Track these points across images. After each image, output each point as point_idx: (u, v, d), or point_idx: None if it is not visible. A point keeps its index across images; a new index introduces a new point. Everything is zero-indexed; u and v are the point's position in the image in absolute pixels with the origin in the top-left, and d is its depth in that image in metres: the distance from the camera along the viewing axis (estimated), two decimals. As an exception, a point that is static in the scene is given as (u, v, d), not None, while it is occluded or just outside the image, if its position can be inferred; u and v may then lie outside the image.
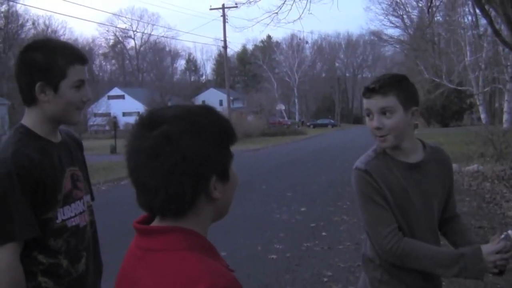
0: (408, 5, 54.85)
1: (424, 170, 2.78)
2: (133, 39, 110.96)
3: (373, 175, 2.71)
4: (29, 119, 2.53)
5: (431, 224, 2.80)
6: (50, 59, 2.45)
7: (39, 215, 2.40)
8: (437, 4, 23.77)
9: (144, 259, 1.50)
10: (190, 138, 1.45)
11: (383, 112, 2.70)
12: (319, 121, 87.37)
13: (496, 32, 14.34)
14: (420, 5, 46.12)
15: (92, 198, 2.89)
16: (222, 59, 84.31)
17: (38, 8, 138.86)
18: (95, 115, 64.66)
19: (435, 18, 37.95)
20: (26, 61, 2.47)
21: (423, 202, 2.75)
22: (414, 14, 55.24)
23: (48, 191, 2.43)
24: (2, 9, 66.97)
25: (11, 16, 68.49)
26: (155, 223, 1.55)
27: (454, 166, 17.55)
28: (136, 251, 1.55)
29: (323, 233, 9.41)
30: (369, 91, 2.74)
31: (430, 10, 22.08)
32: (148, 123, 1.48)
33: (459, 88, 45.48)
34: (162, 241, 1.48)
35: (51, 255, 2.45)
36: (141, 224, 1.57)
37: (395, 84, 2.71)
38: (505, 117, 39.74)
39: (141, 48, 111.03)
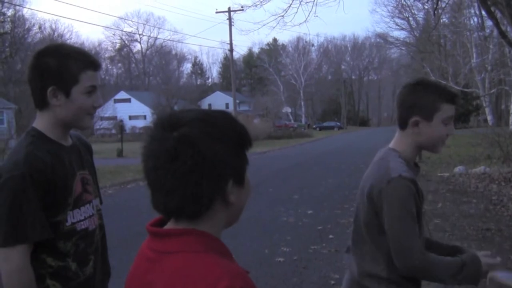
0: (414, 7, 54.70)
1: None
2: (139, 42, 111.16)
3: (418, 185, 2.64)
4: (41, 122, 2.56)
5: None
6: (63, 64, 2.47)
7: (49, 218, 2.42)
8: (443, 6, 23.74)
9: (159, 261, 1.50)
10: (211, 140, 1.46)
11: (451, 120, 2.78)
12: (325, 124, 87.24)
13: (502, 34, 14.32)
14: (426, 7, 45.99)
15: (101, 202, 2.91)
16: (228, 62, 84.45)
17: (45, 12, 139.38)
18: (102, 118, 64.74)
19: (441, 20, 37.90)
20: (39, 65, 2.49)
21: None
22: (420, 16, 55.17)
23: (59, 193, 2.45)
24: (9, 13, 67.13)
25: (18, 20, 68.61)
26: (169, 226, 1.55)
27: (461, 168, 17.64)
28: (149, 254, 1.55)
29: (330, 236, 9.41)
30: (457, 97, 2.78)
31: (436, 12, 22.08)
32: (168, 124, 1.49)
33: (465, 90, 45.32)
34: (178, 243, 1.49)
35: (60, 258, 2.47)
36: (155, 227, 1.58)
37: None
38: (511, 119, 39.67)
39: (147, 52, 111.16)
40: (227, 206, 1.53)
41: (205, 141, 1.45)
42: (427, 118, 2.70)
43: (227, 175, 1.49)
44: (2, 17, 65.72)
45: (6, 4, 63.97)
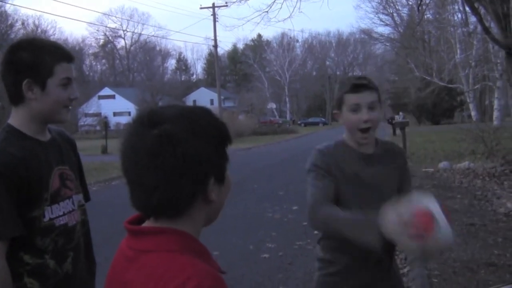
0: (398, 3, 54.89)
1: (377, 161, 3.03)
2: (124, 38, 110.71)
3: (326, 155, 3.00)
4: (16, 118, 2.53)
5: (381, 205, 2.77)
6: (37, 57, 2.46)
7: (25, 214, 2.39)
8: (427, 2, 23.79)
9: (136, 260, 1.48)
10: (192, 138, 1.44)
11: (371, 106, 2.94)
12: (310, 120, 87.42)
13: (486, 30, 14.38)
14: (410, 3, 46.13)
15: (88, 199, 2.90)
16: (212, 59, 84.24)
17: (28, 8, 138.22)
18: (86, 115, 64.54)
19: (425, 16, 37.98)
20: (13, 59, 2.47)
21: (375, 185, 2.96)
22: (404, 12, 55.30)
23: (34, 189, 2.42)
24: (-9, 10, 66.70)
25: (0, 16, 68.24)
26: (148, 224, 1.54)
27: (445, 163, 17.71)
28: (128, 252, 1.53)
29: (316, 232, 9.40)
30: (360, 87, 2.95)
31: (420, 8, 22.15)
32: (148, 121, 1.46)
33: (449, 85, 45.59)
34: (154, 241, 1.47)
35: (38, 255, 2.44)
36: (132, 225, 1.56)
37: (375, 83, 3.00)
38: (495, 114, 39.97)
39: (132, 48, 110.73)
40: (208, 204, 1.52)
41: (186, 138, 1.43)
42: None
43: (208, 173, 1.48)
44: (-16, 13, 65.29)
45: (-12, 0, 63.54)
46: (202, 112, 1.53)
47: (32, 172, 2.41)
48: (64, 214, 2.55)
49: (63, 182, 2.59)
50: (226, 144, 1.55)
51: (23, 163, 2.39)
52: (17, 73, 2.45)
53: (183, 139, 1.42)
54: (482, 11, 14.40)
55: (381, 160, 3.06)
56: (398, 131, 32.47)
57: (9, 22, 70.00)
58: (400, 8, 55.86)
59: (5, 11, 68.44)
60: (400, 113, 47.91)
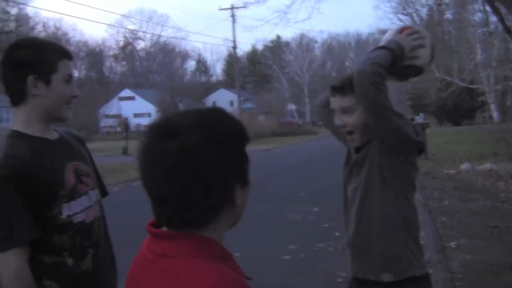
0: (417, 3, 54.49)
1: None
2: (143, 40, 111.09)
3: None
4: (19, 120, 2.53)
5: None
6: (40, 54, 2.47)
7: (42, 213, 2.39)
8: (447, 1, 23.69)
9: (155, 263, 1.46)
10: (212, 147, 1.40)
11: (344, 111, 2.97)
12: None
13: (507, 29, 14.23)
14: (430, 3, 45.87)
15: (106, 193, 2.91)
16: (232, 60, 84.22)
17: (49, 11, 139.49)
18: (106, 116, 64.77)
19: (445, 16, 37.82)
20: (15, 58, 2.47)
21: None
22: (424, 12, 54.88)
23: (48, 188, 2.41)
24: (13, 12, 67.29)
25: (22, 19, 68.83)
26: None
27: (467, 165, 17.57)
28: (147, 254, 1.50)
29: (337, 234, 9.35)
30: (332, 90, 3.03)
31: (439, 8, 22.01)
32: (164, 133, 1.42)
33: (470, 86, 45.22)
34: (176, 246, 1.44)
35: (56, 252, 2.43)
36: (154, 227, 1.52)
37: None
38: (517, 115, 39.58)
39: (151, 49, 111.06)
40: (233, 208, 1.49)
41: (206, 148, 1.39)
42: None
43: (233, 179, 1.45)
44: (6, 16, 65.86)
45: (10, 3, 64.07)
46: (217, 116, 1.49)
47: (43, 171, 2.40)
48: (81, 211, 2.54)
49: (79, 178, 2.58)
50: (245, 145, 1.52)
51: (32, 164, 2.38)
52: (20, 70, 2.45)
53: (203, 150, 1.39)
54: (503, 10, 14.26)
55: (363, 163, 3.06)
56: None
57: (31, 25, 70.69)
58: (419, 8, 55.43)
59: (27, 14, 69.13)
60: (421, 114, 47.62)
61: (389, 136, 2.88)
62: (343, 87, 2.97)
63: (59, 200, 2.44)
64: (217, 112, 1.51)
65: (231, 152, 1.44)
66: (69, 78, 2.54)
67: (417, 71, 3.12)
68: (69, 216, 2.47)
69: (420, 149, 2.98)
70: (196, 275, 1.37)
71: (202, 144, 1.39)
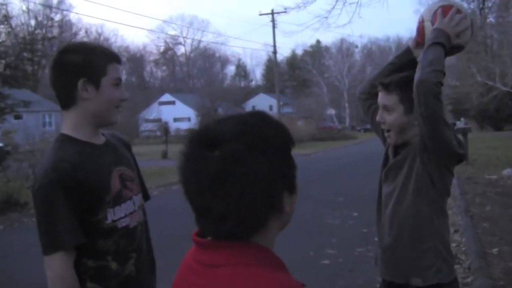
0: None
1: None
2: (183, 45, 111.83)
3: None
4: (68, 124, 2.56)
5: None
6: (90, 57, 2.50)
7: (89, 218, 2.42)
8: (489, 5, 23.40)
9: (205, 274, 1.40)
10: (257, 154, 1.34)
11: (385, 108, 2.99)
12: (369, 126, 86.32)
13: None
14: (472, 6, 45.38)
15: (148, 198, 2.92)
16: (271, 64, 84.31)
17: (91, 17, 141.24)
18: (146, 121, 65.24)
19: (487, 20, 37.31)
20: (65, 62, 2.51)
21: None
22: (466, 16, 54.29)
23: (95, 193, 2.44)
24: (56, 18, 68.43)
25: (65, 25, 70.01)
26: None
27: (509, 170, 17.29)
28: (194, 266, 1.45)
29: (376, 239, 9.29)
30: (379, 85, 3.05)
31: (482, 11, 21.78)
32: (206, 142, 1.36)
33: (513, 90, 44.58)
34: (226, 255, 1.38)
35: (100, 256, 2.46)
36: (201, 237, 1.46)
37: (401, 84, 2.94)
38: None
39: (191, 55, 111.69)
40: (281, 215, 1.43)
41: (251, 156, 1.33)
42: None
43: (281, 187, 1.39)
44: (50, 22, 66.94)
45: (54, 10, 65.12)
46: (260, 121, 1.42)
47: (91, 176, 2.43)
48: (125, 216, 2.56)
49: (124, 183, 2.61)
50: (290, 149, 1.46)
51: (80, 169, 2.41)
52: (70, 74, 2.48)
53: (248, 158, 1.32)
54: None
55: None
56: (460, 137, 31.90)
57: (73, 31, 71.82)
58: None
59: (70, 20, 70.30)
60: (462, 119, 47.08)
61: (437, 146, 2.88)
62: (389, 85, 2.98)
63: (105, 205, 2.47)
64: (259, 117, 1.44)
65: (277, 158, 1.38)
66: (118, 82, 2.57)
67: (458, 49, 3.10)
68: (114, 221, 2.50)
69: (460, 159, 2.98)
70: (253, 282, 1.33)
71: (246, 152, 1.32)
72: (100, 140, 2.63)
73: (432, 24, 3.00)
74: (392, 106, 2.96)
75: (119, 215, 2.53)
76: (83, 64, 2.48)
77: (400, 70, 3.18)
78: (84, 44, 2.71)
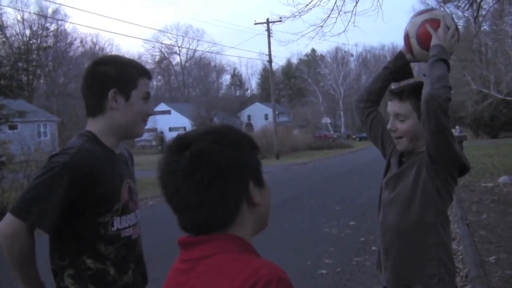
0: (454, 15, 54.16)
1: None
2: (179, 55, 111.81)
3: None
4: (95, 127, 2.62)
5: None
6: (122, 70, 2.58)
7: (94, 218, 2.47)
8: (484, 13, 23.44)
9: (195, 268, 1.52)
10: (222, 148, 1.51)
11: (398, 117, 3.01)
12: (365, 134, 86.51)
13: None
14: (466, 15, 45.52)
15: None
16: (267, 74, 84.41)
17: (86, 26, 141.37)
18: (142, 130, 65.31)
19: (482, 28, 37.43)
20: (98, 72, 2.58)
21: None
22: (460, 24, 54.26)
23: (107, 198, 2.49)
24: (52, 28, 68.45)
25: (60, 35, 69.96)
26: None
27: (505, 178, 17.31)
28: (182, 266, 1.56)
29: (373, 248, 9.27)
30: (390, 94, 3.08)
31: (476, 20, 21.83)
32: (176, 147, 1.54)
33: (508, 98, 44.67)
34: (213, 247, 1.51)
35: (99, 260, 2.50)
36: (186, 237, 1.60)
37: (414, 92, 2.98)
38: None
39: (187, 64, 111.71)
40: (253, 208, 1.57)
41: (216, 150, 1.50)
42: None
43: (246, 176, 1.54)
44: (45, 32, 66.99)
45: (49, 19, 65.20)
46: (226, 127, 1.62)
47: (107, 180, 2.49)
48: (129, 226, 2.62)
49: (131, 196, 2.67)
50: (255, 151, 1.62)
51: (99, 169, 2.47)
52: (102, 84, 2.55)
53: (213, 152, 1.50)
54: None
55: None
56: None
57: (68, 40, 71.83)
58: (456, 20, 55.08)
59: (65, 30, 70.29)
60: (457, 127, 47.16)
61: (445, 159, 2.90)
62: (402, 93, 3.02)
63: (113, 213, 2.53)
64: (227, 125, 1.64)
65: (242, 152, 1.55)
66: (147, 96, 2.65)
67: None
68: (119, 229, 2.55)
69: (465, 172, 3.00)
70: (238, 264, 1.47)
71: (211, 148, 1.50)
72: (118, 150, 2.71)
73: (417, 41, 3.09)
74: (407, 114, 2.99)
75: (124, 224, 2.59)
76: (116, 75, 2.55)
77: (395, 74, 3.27)
78: (117, 57, 2.78)
